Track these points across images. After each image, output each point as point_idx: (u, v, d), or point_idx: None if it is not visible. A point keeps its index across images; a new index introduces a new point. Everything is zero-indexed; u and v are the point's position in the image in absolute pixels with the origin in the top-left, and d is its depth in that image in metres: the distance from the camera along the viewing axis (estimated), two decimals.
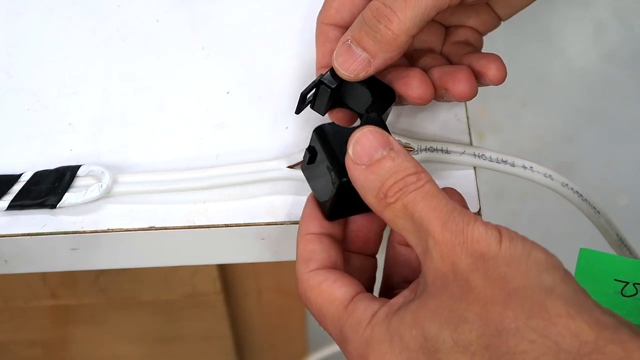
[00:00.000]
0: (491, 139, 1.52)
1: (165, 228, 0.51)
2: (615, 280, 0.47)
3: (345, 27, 0.49)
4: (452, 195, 0.47)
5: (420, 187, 0.42)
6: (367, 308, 0.42)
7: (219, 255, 0.54)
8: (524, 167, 0.51)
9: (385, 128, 0.46)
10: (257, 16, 0.58)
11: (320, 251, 0.45)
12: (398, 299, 0.42)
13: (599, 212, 0.53)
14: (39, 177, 0.51)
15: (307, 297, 0.44)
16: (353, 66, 0.47)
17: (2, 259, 0.53)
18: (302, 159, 0.49)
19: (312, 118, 0.52)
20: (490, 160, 0.52)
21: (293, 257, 0.53)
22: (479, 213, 0.51)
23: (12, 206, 0.50)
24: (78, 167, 0.51)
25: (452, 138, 0.53)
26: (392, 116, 0.54)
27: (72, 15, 0.58)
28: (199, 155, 0.53)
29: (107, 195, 0.51)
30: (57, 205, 0.50)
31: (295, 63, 0.56)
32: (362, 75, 0.47)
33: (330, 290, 0.43)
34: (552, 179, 0.52)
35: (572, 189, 0.53)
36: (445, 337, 0.39)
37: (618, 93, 1.43)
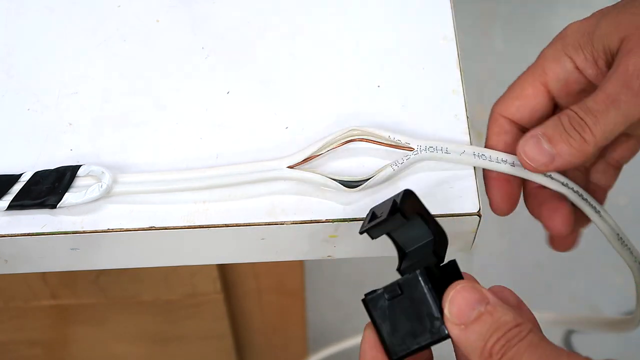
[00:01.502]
0: None
1: (165, 228, 0.51)
2: None
3: (519, 124, 0.53)
4: (508, 297, 0.47)
5: (523, 338, 0.42)
6: None
7: (219, 255, 0.54)
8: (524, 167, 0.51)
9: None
10: (257, 16, 0.58)
11: None
12: None
13: (599, 211, 0.53)
14: (39, 177, 0.51)
15: None
16: (539, 158, 0.50)
17: (2, 259, 0.53)
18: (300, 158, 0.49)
19: (309, 119, 0.52)
20: (490, 160, 0.52)
21: (293, 257, 0.53)
22: (478, 213, 0.51)
23: (12, 206, 0.50)
24: (78, 167, 0.52)
25: (452, 138, 0.53)
26: (393, 116, 0.54)
27: (72, 15, 0.58)
28: (199, 155, 0.53)
29: (107, 195, 0.51)
30: (57, 205, 0.50)
31: (295, 63, 0.56)
32: (543, 168, 0.50)
33: None
34: (552, 179, 0.52)
35: (572, 188, 0.53)
36: None
37: None
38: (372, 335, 0.46)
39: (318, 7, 0.58)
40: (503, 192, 0.53)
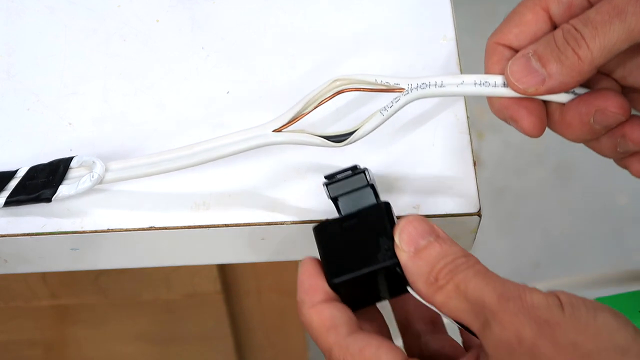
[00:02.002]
0: (491, 139, 1.52)
1: (165, 228, 0.51)
2: (639, 311, 0.47)
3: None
4: None
5: (470, 266, 0.42)
6: None
7: (219, 255, 0.54)
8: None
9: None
10: (257, 16, 0.58)
11: (341, 315, 0.44)
12: None
13: None
14: (34, 172, 0.51)
15: None
16: (526, 78, 0.45)
17: (2, 259, 0.53)
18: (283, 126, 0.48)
19: (311, 117, 0.52)
20: (495, 86, 0.47)
21: (293, 257, 0.53)
22: (478, 213, 0.51)
23: (8, 202, 0.50)
24: (71, 158, 0.51)
25: (452, 137, 0.53)
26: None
27: (72, 15, 0.58)
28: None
29: (100, 184, 0.50)
30: (52, 199, 0.50)
31: (295, 63, 0.56)
32: (531, 91, 0.45)
33: (376, 357, 0.42)
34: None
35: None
36: None
37: None
38: (311, 265, 0.45)
39: (318, 7, 0.58)
40: (531, 110, 0.47)
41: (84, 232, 0.51)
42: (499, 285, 0.40)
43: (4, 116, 0.55)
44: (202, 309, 0.81)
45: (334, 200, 0.47)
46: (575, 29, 0.44)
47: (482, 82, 0.47)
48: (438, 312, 0.43)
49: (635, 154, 0.48)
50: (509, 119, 0.47)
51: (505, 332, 0.39)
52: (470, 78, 0.47)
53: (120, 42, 0.57)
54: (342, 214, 0.46)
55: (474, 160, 0.53)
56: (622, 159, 0.48)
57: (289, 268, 0.79)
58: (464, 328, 0.43)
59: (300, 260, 0.46)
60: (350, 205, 0.46)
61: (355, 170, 0.47)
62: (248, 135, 0.49)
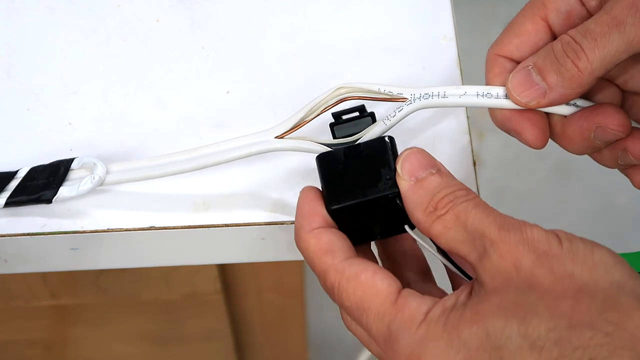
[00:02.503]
0: (491, 139, 1.52)
1: (165, 228, 0.51)
2: None
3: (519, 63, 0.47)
4: None
5: (471, 198, 0.42)
6: (419, 304, 0.40)
7: (219, 255, 0.54)
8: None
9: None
10: (257, 16, 0.58)
11: (338, 240, 0.43)
12: (450, 298, 0.41)
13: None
14: (35, 173, 0.51)
15: (342, 289, 0.42)
16: (527, 92, 0.46)
17: (2, 259, 0.53)
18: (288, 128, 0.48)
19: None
20: (498, 97, 0.47)
21: (293, 257, 0.53)
22: None
23: (9, 203, 0.50)
24: (72, 160, 0.51)
25: (452, 137, 0.53)
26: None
27: (72, 15, 0.58)
28: None
29: (101, 186, 0.50)
30: (53, 200, 0.50)
31: (295, 63, 0.56)
32: (533, 104, 0.46)
33: (372, 282, 0.41)
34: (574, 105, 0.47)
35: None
36: (512, 332, 0.38)
37: None
38: (311, 192, 0.45)
39: (318, 7, 0.58)
40: (533, 122, 0.47)
41: (84, 232, 0.51)
42: (500, 218, 0.40)
43: (4, 116, 0.55)
44: (202, 309, 0.81)
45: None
46: (575, 41, 0.44)
47: (484, 94, 0.47)
48: (431, 250, 0.43)
49: (637, 166, 0.48)
50: (512, 131, 0.48)
51: (503, 261, 0.39)
52: (472, 89, 0.47)
53: (120, 42, 0.57)
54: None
55: (474, 160, 0.53)
56: (624, 169, 0.49)
57: (289, 268, 0.79)
58: (455, 268, 0.43)
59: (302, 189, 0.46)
60: None
61: (362, 113, 0.47)
62: (251, 140, 0.49)
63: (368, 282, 0.41)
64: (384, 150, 0.45)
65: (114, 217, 0.51)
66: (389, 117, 0.47)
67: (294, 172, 0.52)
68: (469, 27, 1.54)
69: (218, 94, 0.55)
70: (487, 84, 0.48)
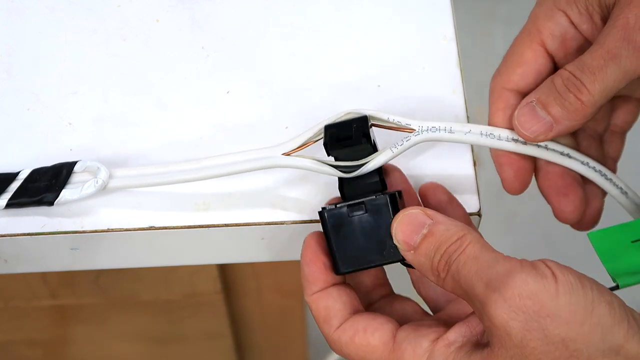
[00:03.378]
0: None
1: (165, 228, 0.51)
2: (632, 242, 0.47)
3: (524, 95, 0.49)
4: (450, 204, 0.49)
5: (461, 252, 0.42)
6: (416, 347, 0.42)
7: (219, 255, 0.54)
8: (538, 146, 0.49)
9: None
10: (257, 16, 0.58)
11: (334, 305, 0.45)
12: (454, 335, 0.42)
13: (625, 192, 0.50)
14: (37, 175, 0.51)
15: (347, 355, 0.44)
16: (535, 127, 0.47)
17: (2, 259, 0.53)
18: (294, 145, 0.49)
19: (309, 119, 0.52)
20: (499, 139, 0.49)
21: (293, 257, 0.53)
22: (478, 213, 0.51)
23: (10, 204, 0.50)
24: (74, 163, 0.51)
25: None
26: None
27: (72, 15, 0.58)
28: (199, 155, 0.53)
29: (103, 190, 0.51)
30: (55, 203, 0.50)
31: (295, 63, 0.56)
32: (542, 137, 0.47)
33: (366, 341, 0.43)
34: (569, 157, 0.49)
35: (593, 168, 0.49)
36: None
37: None
38: (313, 246, 0.47)
39: (318, 7, 0.58)
40: (515, 169, 0.50)
41: (84, 232, 0.51)
42: (487, 272, 0.40)
43: (4, 116, 0.55)
44: (202, 309, 0.81)
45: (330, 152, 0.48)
46: (574, 76, 0.46)
47: (487, 134, 0.49)
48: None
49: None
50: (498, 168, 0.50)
51: (494, 326, 0.39)
52: (477, 128, 0.49)
53: (120, 42, 0.57)
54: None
55: (474, 160, 0.53)
56: None
57: (289, 268, 0.79)
58: None
59: (305, 239, 0.47)
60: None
61: (358, 133, 0.48)
62: (257, 155, 0.50)
63: (362, 342, 0.44)
64: (387, 216, 0.46)
65: (114, 217, 0.51)
66: (397, 145, 0.48)
67: (294, 173, 0.52)
68: (469, 27, 1.54)
69: (218, 94, 0.55)
70: (490, 116, 0.50)
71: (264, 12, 0.58)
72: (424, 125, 0.48)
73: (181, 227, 0.51)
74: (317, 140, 0.49)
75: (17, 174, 0.52)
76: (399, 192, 0.48)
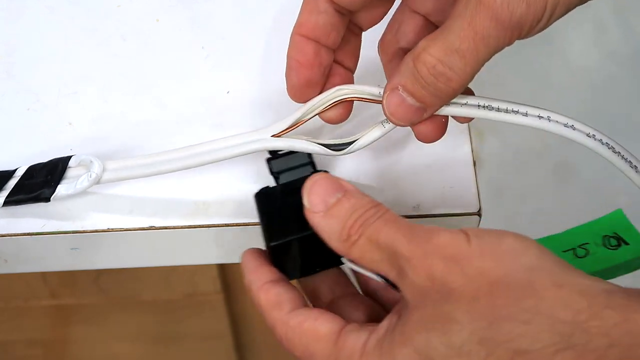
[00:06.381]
0: (491, 139, 1.52)
1: (165, 228, 0.51)
2: (563, 252, 0.48)
3: None
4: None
5: (379, 217, 0.42)
6: (357, 339, 0.41)
7: (219, 255, 0.54)
8: (540, 117, 0.46)
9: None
10: (257, 16, 0.58)
11: (286, 292, 0.45)
12: (383, 324, 0.41)
13: (635, 166, 0.47)
14: (33, 171, 0.51)
15: (289, 340, 0.43)
16: (407, 116, 0.46)
17: (1, 259, 0.53)
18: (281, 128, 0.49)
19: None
20: (498, 110, 0.47)
21: None
22: (479, 213, 0.51)
23: (7, 202, 0.50)
24: (69, 157, 0.51)
25: (452, 137, 0.53)
26: None
27: (72, 15, 0.58)
28: None
29: (98, 184, 0.50)
30: (51, 198, 0.50)
31: None
32: (416, 121, 0.46)
33: (314, 327, 0.43)
34: (574, 129, 0.46)
35: (600, 140, 0.46)
36: (437, 345, 0.38)
37: (618, 92, 1.43)
38: (254, 251, 0.47)
39: None
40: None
41: (84, 232, 0.51)
42: (408, 231, 0.40)
43: (4, 116, 0.55)
44: (202, 309, 0.81)
45: (276, 176, 0.48)
46: (442, 63, 0.44)
47: (485, 105, 0.46)
48: (366, 272, 0.43)
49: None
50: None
51: (417, 275, 0.39)
52: (474, 100, 0.46)
53: (120, 42, 0.57)
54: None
55: (474, 160, 0.53)
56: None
57: None
58: (385, 281, 0.43)
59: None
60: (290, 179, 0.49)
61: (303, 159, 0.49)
62: (247, 139, 0.49)
63: (310, 328, 0.43)
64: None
65: (114, 217, 0.51)
66: (388, 120, 0.46)
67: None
68: None
69: (218, 94, 0.55)
70: (299, 19, 0.48)
71: (264, 12, 0.58)
72: None
73: (181, 227, 0.51)
74: (306, 121, 0.48)
75: (14, 171, 0.52)
76: (326, 172, 0.47)
